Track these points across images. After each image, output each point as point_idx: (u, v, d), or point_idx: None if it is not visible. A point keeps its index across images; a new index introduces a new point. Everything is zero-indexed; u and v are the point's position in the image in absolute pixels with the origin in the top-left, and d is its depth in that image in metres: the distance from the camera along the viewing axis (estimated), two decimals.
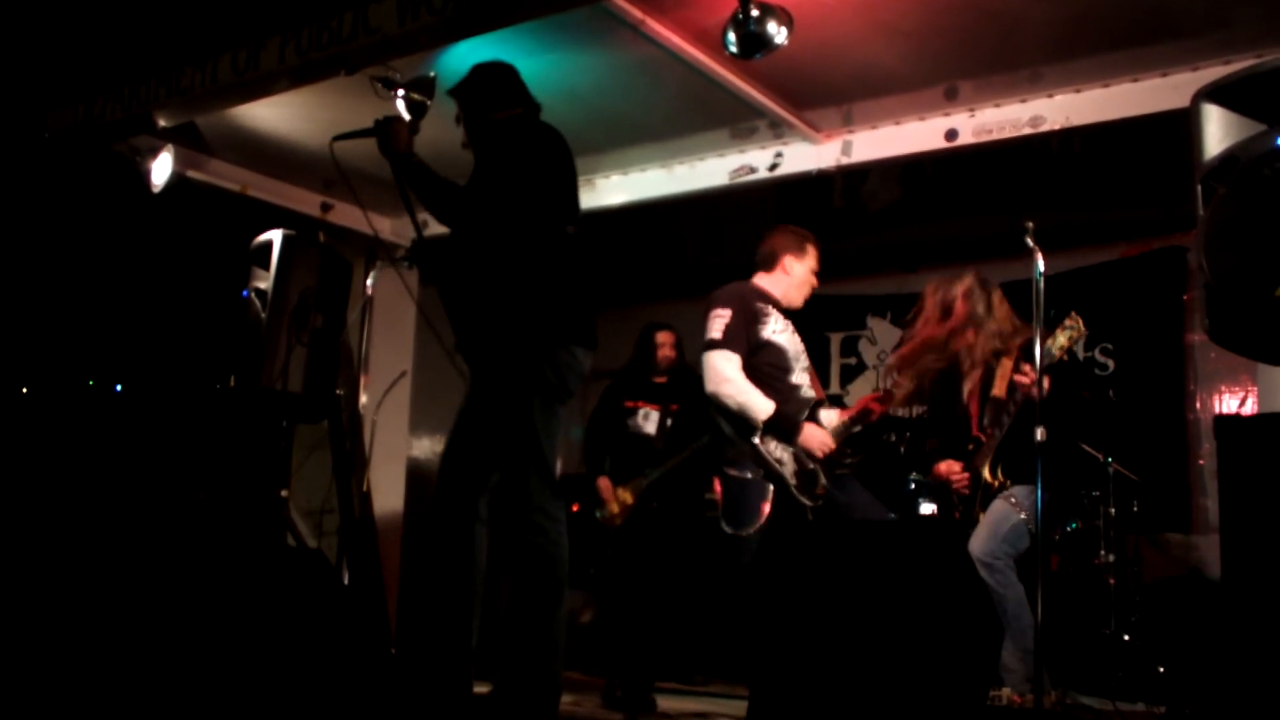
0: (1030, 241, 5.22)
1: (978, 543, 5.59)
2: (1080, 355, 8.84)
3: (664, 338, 7.51)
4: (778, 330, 5.81)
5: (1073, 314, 5.43)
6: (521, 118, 5.01)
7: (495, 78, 5.07)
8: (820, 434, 5.69)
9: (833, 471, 5.78)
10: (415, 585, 8.48)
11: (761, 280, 6.00)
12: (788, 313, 5.96)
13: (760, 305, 5.83)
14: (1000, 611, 5.42)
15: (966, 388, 5.99)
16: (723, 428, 5.75)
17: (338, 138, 4.96)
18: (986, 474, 5.74)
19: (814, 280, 6.05)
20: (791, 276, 5.98)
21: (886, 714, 3.77)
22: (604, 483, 7.22)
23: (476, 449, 4.83)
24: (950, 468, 5.93)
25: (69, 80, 6.96)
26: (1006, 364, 5.80)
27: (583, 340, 4.83)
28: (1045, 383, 5.43)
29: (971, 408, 5.96)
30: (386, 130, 4.83)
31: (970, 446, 5.87)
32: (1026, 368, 5.52)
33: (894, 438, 8.19)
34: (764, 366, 5.73)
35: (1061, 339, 5.41)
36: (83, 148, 7.11)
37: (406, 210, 5.01)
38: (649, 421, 7.35)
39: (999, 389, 5.77)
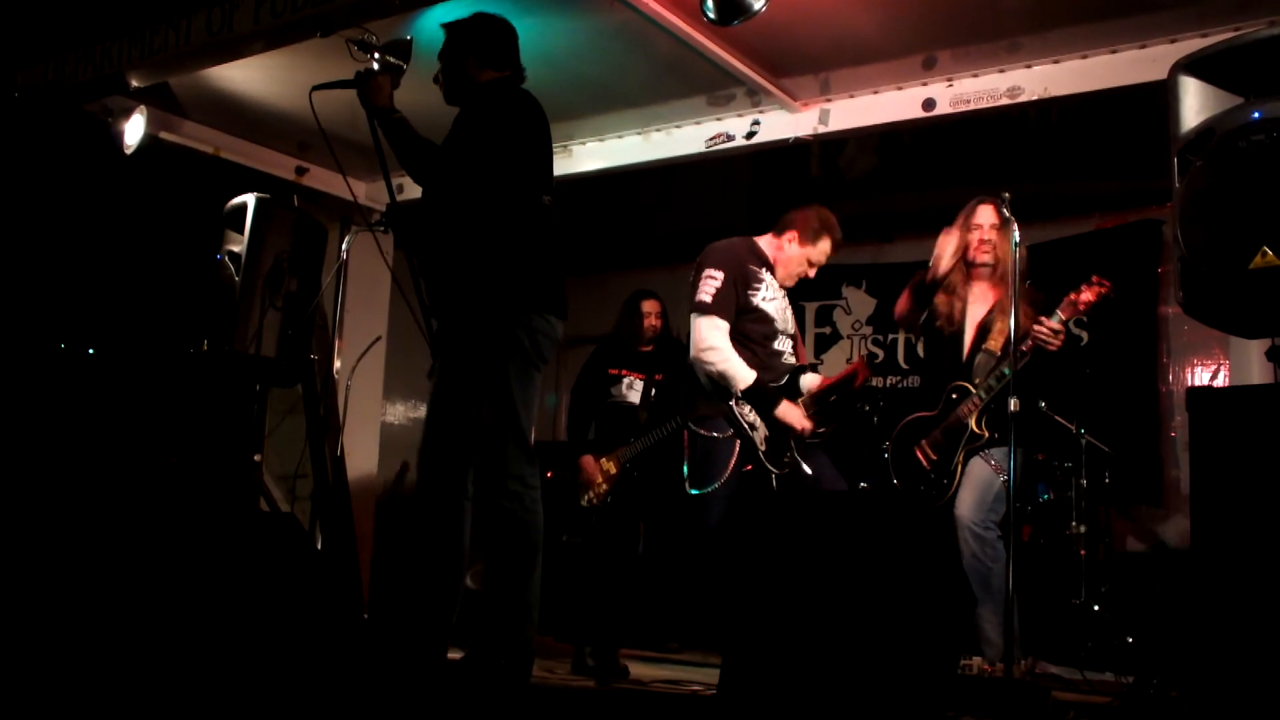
0: (1007, 212, 5.22)
1: (966, 509, 5.58)
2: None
3: (650, 306, 7.50)
4: (769, 298, 5.80)
5: (1100, 277, 5.43)
6: (508, 81, 4.99)
7: (496, 32, 5.04)
8: (797, 413, 5.69)
9: (804, 441, 5.78)
10: (397, 558, 8.49)
11: (763, 241, 5.99)
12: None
13: (754, 268, 5.81)
14: (984, 584, 5.42)
15: (969, 334, 5.91)
16: (701, 382, 5.75)
17: (317, 87, 4.93)
18: (974, 424, 5.70)
19: (808, 270, 5.99)
20: (785, 250, 5.95)
21: (859, 684, 3.78)
22: (588, 461, 7.16)
23: (460, 424, 4.81)
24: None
25: (40, 39, 6.90)
26: (1001, 321, 5.72)
27: (555, 309, 4.83)
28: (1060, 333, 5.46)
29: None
30: (368, 83, 4.80)
31: (954, 395, 5.81)
32: (1046, 320, 5.49)
33: (868, 408, 8.21)
34: (749, 330, 5.73)
35: (1088, 294, 5.43)
36: (53, 108, 7.06)
37: (382, 172, 4.99)
38: (633, 390, 7.34)
39: (994, 343, 5.72)
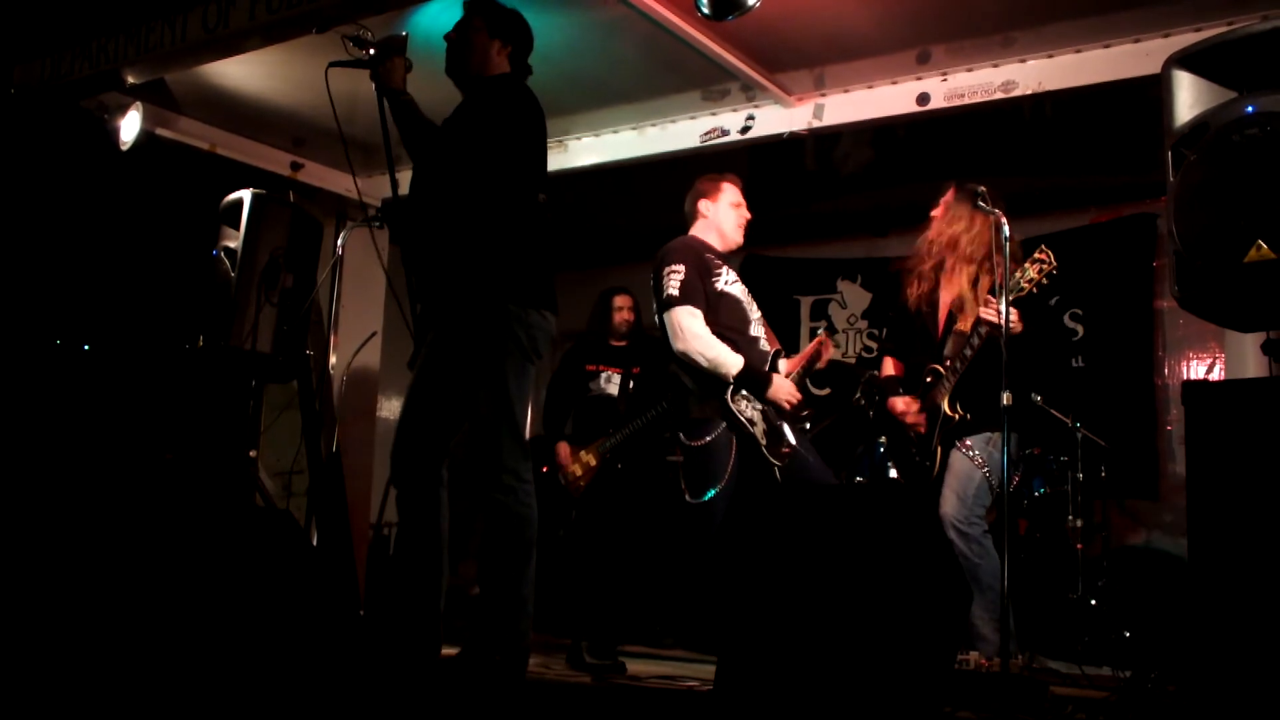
0: (984, 205, 5.23)
1: (949, 507, 5.56)
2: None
3: (622, 301, 7.57)
4: (729, 281, 5.80)
5: (1042, 247, 5.39)
6: (514, 79, 5.01)
7: (528, 35, 5.13)
8: (787, 385, 5.70)
9: (795, 426, 5.77)
10: (384, 550, 8.50)
11: (697, 232, 6.01)
12: (759, 261, 5.95)
13: (709, 257, 5.81)
14: (972, 580, 5.41)
15: (940, 315, 5.92)
16: (686, 384, 5.73)
17: (334, 64, 4.93)
18: (946, 407, 5.70)
19: (742, 213, 6.03)
20: (712, 218, 5.98)
21: (855, 678, 3.78)
22: (563, 448, 7.26)
23: (438, 414, 4.85)
24: (908, 405, 5.91)
25: (36, 35, 6.90)
26: (969, 301, 5.74)
27: (549, 304, 4.85)
28: (1015, 317, 5.42)
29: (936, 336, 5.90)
30: (383, 63, 4.82)
31: (929, 379, 5.83)
32: (992, 301, 5.43)
33: (863, 401, 8.22)
34: (723, 319, 5.71)
35: (1030, 271, 5.36)
36: (49, 104, 7.06)
37: (387, 161, 5.00)
38: (611, 384, 7.39)
39: (962, 324, 5.71)
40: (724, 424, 5.63)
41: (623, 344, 7.55)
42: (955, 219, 5.80)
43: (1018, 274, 5.37)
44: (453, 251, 4.80)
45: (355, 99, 5.08)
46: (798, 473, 5.71)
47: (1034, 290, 5.35)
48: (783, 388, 5.68)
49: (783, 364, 5.86)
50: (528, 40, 5.11)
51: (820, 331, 6.11)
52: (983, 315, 5.50)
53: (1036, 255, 5.36)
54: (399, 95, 4.82)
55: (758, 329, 5.86)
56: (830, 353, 5.95)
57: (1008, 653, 4.77)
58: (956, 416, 5.66)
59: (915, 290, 5.96)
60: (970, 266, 5.76)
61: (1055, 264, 5.35)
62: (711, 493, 5.57)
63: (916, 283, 5.97)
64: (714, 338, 5.62)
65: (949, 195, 5.87)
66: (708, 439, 5.64)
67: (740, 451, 5.63)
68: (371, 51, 4.85)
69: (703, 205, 5.99)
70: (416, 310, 4.99)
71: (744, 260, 8.99)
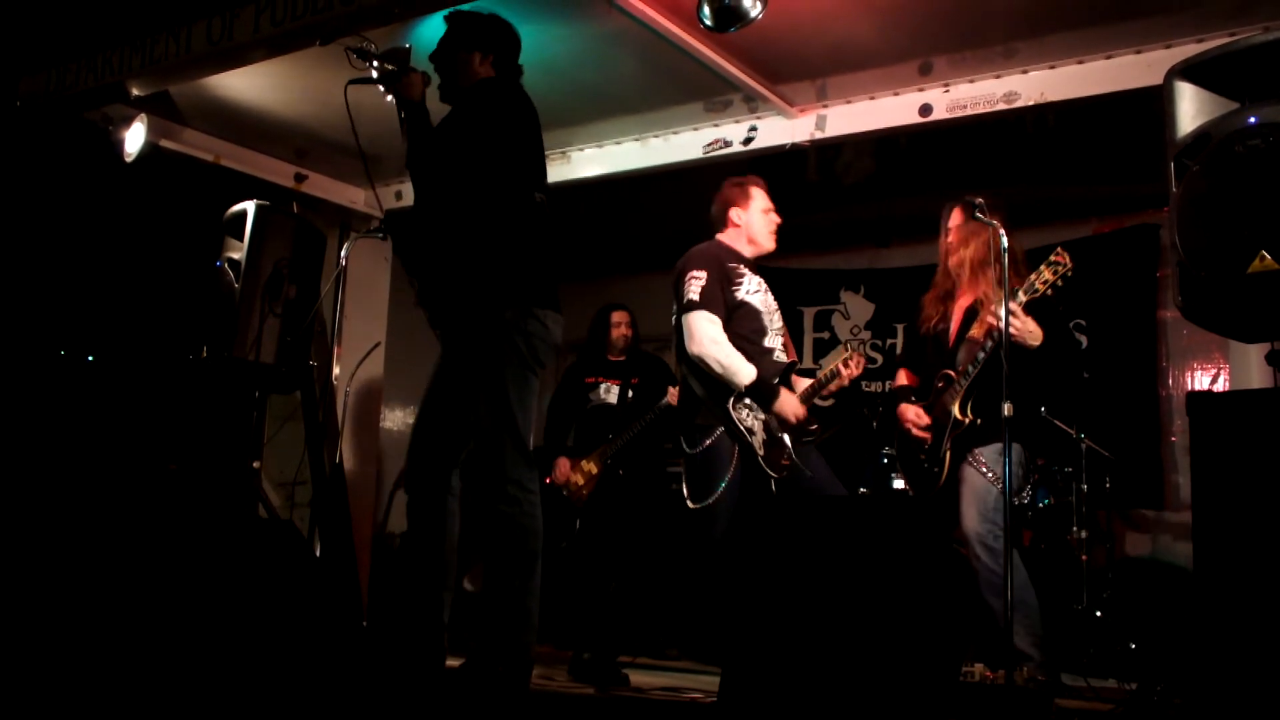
0: (982, 216, 5.23)
1: (971, 523, 5.54)
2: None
3: (619, 317, 7.59)
4: (751, 290, 5.77)
5: (1059, 249, 5.38)
6: (498, 81, 5.01)
7: (511, 38, 5.11)
8: (793, 401, 5.65)
9: (799, 440, 5.75)
10: (389, 560, 8.50)
11: (725, 237, 5.97)
12: (761, 272, 5.92)
13: (732, 265, 5.78)
14: (1001, 595, 5.36)
15: (953, 324, 5.91)
16: (694, 389, 5.72)
17: (353, 82, 4.95)
18: (956, 411, 5.68)
19: (772, 218, 5.98)
20: (744, 225, 5.93)
21: (859, 690, 3.78)
22: (562, 463, 7.28)
23: (448, 422, 4.84)
24: (919, 416, 5.89)
25: (41, 47, 6.91)
26: (984, 309, 5.72)
27: (550, 304, 4.83)
28: (1033, 326, 5.41)
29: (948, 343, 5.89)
30: (401, 79, 4.86)
31: (940, 384, 5.80)
32: (998, 309, 5.43)
33: (867, 412, 8.21)
34: (740, 329, 5.69)
35: (1046, 273, 5.34)
36: (55, 116, 7.07)
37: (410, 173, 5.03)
38: (610, 394, 7.42)
39: (976, 330, 5.70)
40: (722, 430, 5.63)
41: (620, 359, 7.57)
42: (967, 239, 5.79)
43: (1033, 276, 5.38)
44: (449, 259, 4.81)
45: (359, 111, 5.09)
46: (795, 485, 5.69)
47: (1049, 292, 5.35)
48: (789, 403, 5.64)
49: (795, 380, 5.83)
50: (511, 42, 5.10)
51: (847, 347, 6.04)
52: (992, 322, 5.50)
53: (1053, 258, 5.36)
54: (418, 108, 4.84)
55: (775, 340, 5.82)
56: (855, 371, 5.87)
57: (1011, 664, 4.76)
58: (967, 420, 5.63)
59: (930, 303, 5.97)
60: (983, 277, 5.75)
61: (1071, 265, 5.34)
62: (711, 497, 5.56)
63: (932, 298, 5.98)
64: (731, 346, 5.60)
65: (958, 218, 5.86)
66: (708, 443, 5.63)
67: (741, 460, 5.62)
68: (389, 66, 4.87)
69: (734, 214, 5.93)
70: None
71: None
